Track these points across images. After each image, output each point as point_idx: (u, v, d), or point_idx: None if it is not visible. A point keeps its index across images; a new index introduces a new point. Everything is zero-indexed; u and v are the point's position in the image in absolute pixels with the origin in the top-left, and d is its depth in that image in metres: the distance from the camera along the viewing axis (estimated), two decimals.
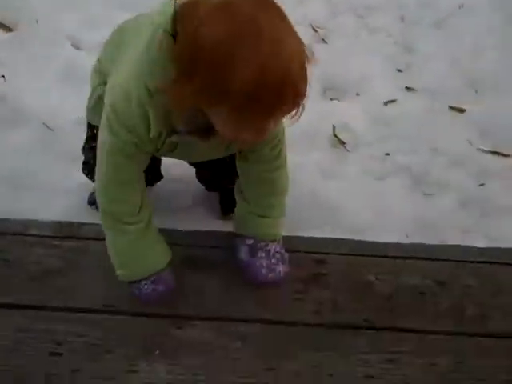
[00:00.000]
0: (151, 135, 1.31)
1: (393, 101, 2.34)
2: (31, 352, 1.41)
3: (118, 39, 1.48)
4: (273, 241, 1.58)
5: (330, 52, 2.46)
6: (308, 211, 1.85)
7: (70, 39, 2.44)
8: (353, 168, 2.09)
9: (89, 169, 1.74)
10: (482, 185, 2.04)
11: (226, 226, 1.74)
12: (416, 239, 1.78)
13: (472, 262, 1.66)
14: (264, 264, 1.56)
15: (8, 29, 2.44)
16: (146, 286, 1.50)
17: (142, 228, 1.46)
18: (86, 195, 1.84)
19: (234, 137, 1.26)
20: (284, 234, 1.62)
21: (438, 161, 2.12)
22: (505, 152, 2.14)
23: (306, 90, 1.16)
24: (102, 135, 1.37)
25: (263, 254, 1.57)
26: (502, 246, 1.73)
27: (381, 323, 1.50)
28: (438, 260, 1.66)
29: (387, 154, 2.14)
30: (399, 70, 2.49)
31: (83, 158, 1.77)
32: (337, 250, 1.67)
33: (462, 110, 2.29)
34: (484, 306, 1.56)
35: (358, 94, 2.38)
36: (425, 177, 2.08)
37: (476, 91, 2.38)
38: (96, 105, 1.54)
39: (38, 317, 1.47)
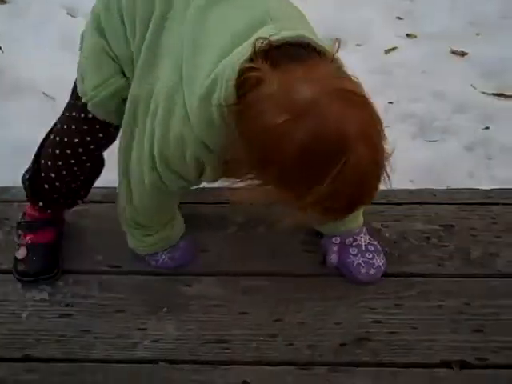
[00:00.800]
0: (205, 180, 1.27)
1: (393, 49, 2.30)
2: (42, 315, 1.43)
3: (134, 11, 1.24)
4: (358, 233, 1.50)
5: (328, 4, 2.43)
6: None
7: (64, 7, 2.42)
8: None
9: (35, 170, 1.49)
10: (486, 128, 2.02)
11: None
12: (421, 185, 1.77)
13: (478, 204, 1.65)
14: (361, 262, 1.48)
15: (2, 1, 2.42)
16: (163, 257, 1.50)
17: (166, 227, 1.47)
18: None
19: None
20: None
21: (441, 107, 2.10)
22: (508, 93, 2.11)
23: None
24: (139, 171, 1.28)
25: (355, 251, 1.49)
26: (509, 186, 1.71)
27: (388, 269, 1.50)
28: (444, 204, 1.65)
29: (390, 103, 2.11)
30: (399, 18, 2.45)
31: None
32: None
33: (463, 54, 2.26)
34: (490, 247, 1.55)
35: (358, 45, 2.35)
36: (429, 124, 2.06)
37: (477, 34, 2.34)
38: (110, 98, 1.32)
39: (44, 282, 1.48)
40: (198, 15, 1.16)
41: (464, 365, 1.35)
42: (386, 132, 1.03)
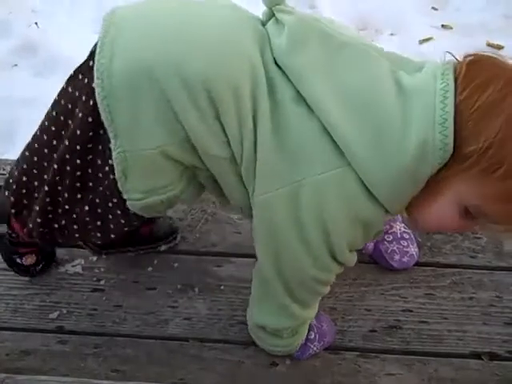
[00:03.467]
0: None
1: (428, 39, 2.29)
2: (75, 289, 1.45)
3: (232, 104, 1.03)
4: (394, 220, 1.49)
5: None
6: None
7: None
8: None
9: None
10: None
11: None
12: None
13: None
14: (396, 249, 1.48)
15: None
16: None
17: None
18: None
19: None
20: None
21: None
22: None
23: None
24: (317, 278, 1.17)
25: (390, 238, 1.49)
26: None
27: (420, 259, 1.49)
28: None
29: None
30: (434, 8, 2.43)
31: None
32: None
33: (500, 47, 2.23)
34: None
35: (392, 34, 2.34)
36: None
37: None
38: (159, 204, 1.14)
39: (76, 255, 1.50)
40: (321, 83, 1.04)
41: (494, 357, 1.35)
42: None
